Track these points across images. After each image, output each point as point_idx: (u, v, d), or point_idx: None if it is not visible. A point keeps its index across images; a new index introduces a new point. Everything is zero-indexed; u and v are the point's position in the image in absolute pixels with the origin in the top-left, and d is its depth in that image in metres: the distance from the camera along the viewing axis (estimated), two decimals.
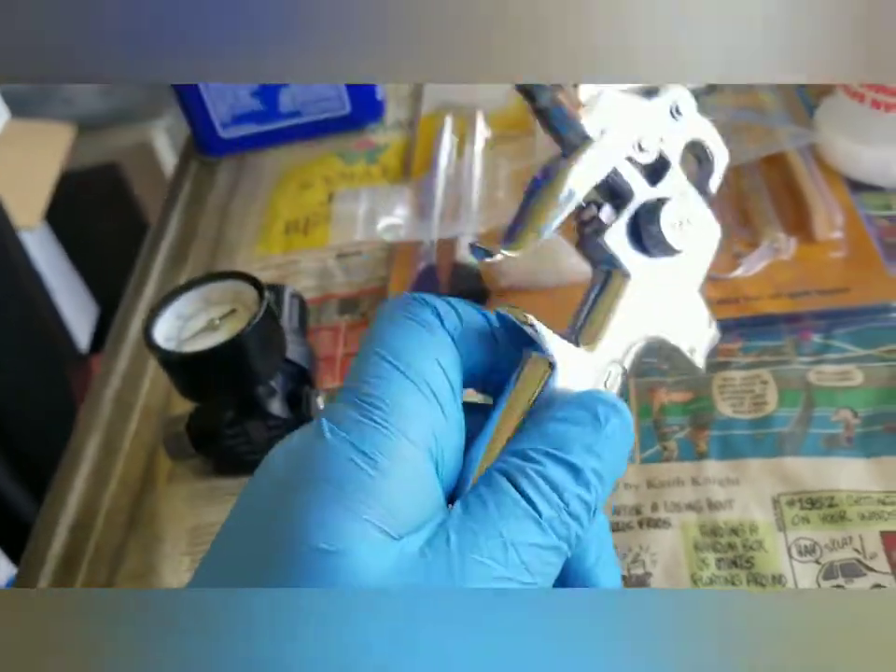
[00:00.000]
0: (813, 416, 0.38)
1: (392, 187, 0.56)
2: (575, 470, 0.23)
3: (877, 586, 0.31)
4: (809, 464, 0.36)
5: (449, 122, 0.61)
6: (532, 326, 0.24)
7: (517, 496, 0.22)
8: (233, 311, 0.38)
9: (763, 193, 0.47)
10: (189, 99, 0.65)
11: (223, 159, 0.68)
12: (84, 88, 1.70)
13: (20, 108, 1.60)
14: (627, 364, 0.25)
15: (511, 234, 0.25)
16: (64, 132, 1.61)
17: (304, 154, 0.65)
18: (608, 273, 0.26)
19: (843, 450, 0.36)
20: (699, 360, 0.27)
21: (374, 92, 0.66)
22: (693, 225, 0.26)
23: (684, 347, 0.27)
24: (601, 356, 0.25)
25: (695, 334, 0.27)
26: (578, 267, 0.45)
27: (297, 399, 0.42)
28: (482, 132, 0.59)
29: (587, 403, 0.24)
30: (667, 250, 0.26)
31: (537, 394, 0.24)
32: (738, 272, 0.44)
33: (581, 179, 0.25)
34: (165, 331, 0.39)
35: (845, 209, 0.46)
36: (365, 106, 0.65)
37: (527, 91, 0.26)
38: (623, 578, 0.33)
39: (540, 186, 0.26)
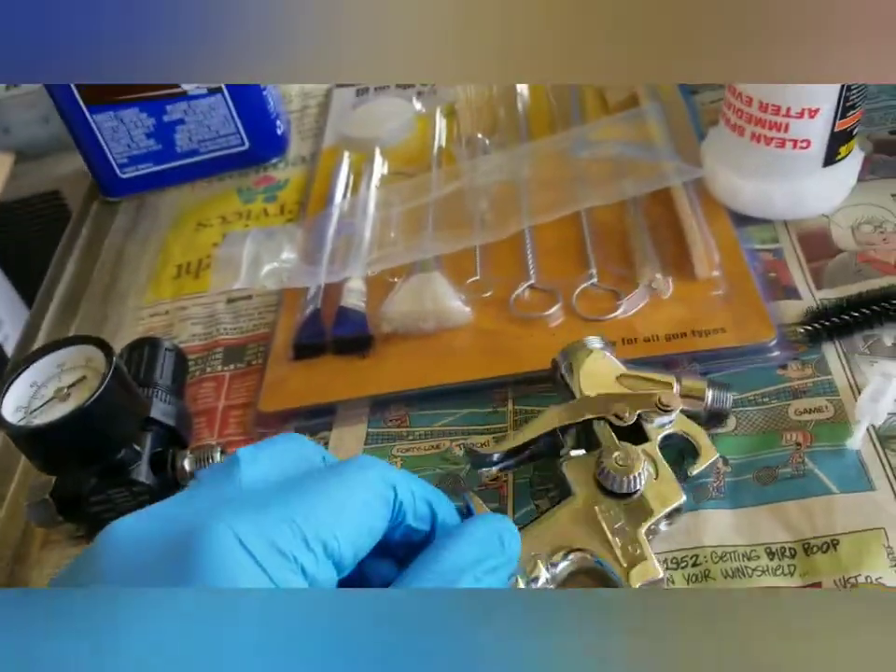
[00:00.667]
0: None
1: (283, 227, 0.55)
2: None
3: None
4: (678, 519, 0.35)
5: (346, 158, 0.60)
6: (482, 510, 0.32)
7: None
8: (83, 378, 0.37)
9: (643, 231, 0.47)
10: (86, 139, 0.63)
11: (124, 199, 0.66)
12: (22, 116, 1.67)
13: None
14: (557, 561, 0.32)
15: (503, 440, 0.37)
16: (3, 160, 1.57)
17: (204, 192, 0.64)
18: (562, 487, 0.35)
19: (712, 501, 0.35)
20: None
21: (275, 127, 0.64)
22: (645, 480, 0.33)
23: (622, 579, 0.32)
24: (527, 547, 0.31)
25: (634, 569, 0.32)
26: (459, 310, 0.45)
27: (163, 461, 0.40)
28: (378, 168, 0.58)
29: (493, 526, 0.29)
30: (612, 486, 0.33)
31: None
32: (617, 313, 0.43)
33: (557, 418, 0.37)
34: (15, 401, 0.37)
35: (728, 244, 0.46)
36: (265, 141, 0.64)
37: (554, 362, 0.39)
38: None
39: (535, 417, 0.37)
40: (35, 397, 0.37)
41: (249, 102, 0.62)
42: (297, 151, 0.66)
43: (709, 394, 0.37)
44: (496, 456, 0.37)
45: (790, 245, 0.46)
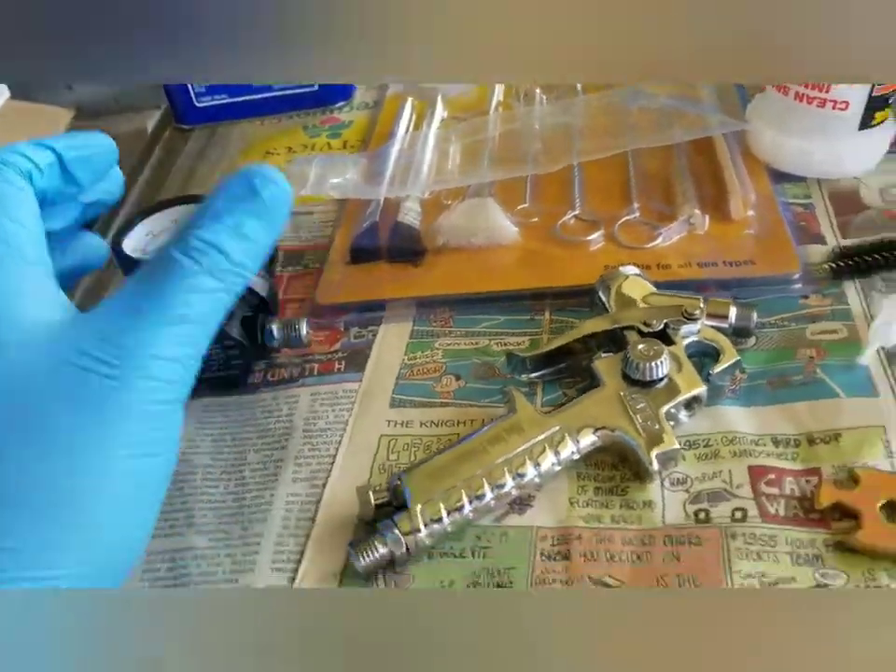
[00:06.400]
0: None
1: (347, 154, 0.59)
2: (237, 231, 0.29)
3: (738, 509, 0.34)
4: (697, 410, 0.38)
5: (410, 101, 0.64)
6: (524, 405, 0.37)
7: (183, 257, 0.28)
8: None
9: (686, 174, 0.50)
10: None
11: (196, 128, 0.70)
12: None
13: (20, 90, 1.62)
14: (581, 437, 0.36)
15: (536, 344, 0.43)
16: (62, 115, 1.64)
17: (272, 128, 0.68)
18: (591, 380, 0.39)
19: (727, 400, 0.38)
20: (652, 466, 0.35)
21: None
22: (668, 370, 0.37)
23: (641, 448, 0.35)
24: (554, 423, 0.36)
25: (652, 439, 0.35)
26: (507, 229, 0.48)
27: (253, 325, 0.43)
28: (440, 111, 0.62)
29: (245, 176, 0.30)
30: (636, 375, 0.37)
31: None
32: (655, 243, 0.47)
33: (590, 327, 0.41)
34: (133, 244, 0.41)
35: (764, 194, 0.49)
36: (334, 85, 0.68)
37: (593, 287, 0.43)
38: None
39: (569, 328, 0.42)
40: (150, 243, 0.41)
41: None
42: (362, 98, 0.70)
43: (733, 311, 0.40)
44: (531, 362, 0.41)
45: (821, 201, 0.49)
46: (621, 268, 0.43)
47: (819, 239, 0.46)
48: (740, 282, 0.44)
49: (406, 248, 0.50)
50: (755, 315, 0.40)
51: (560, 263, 0.47)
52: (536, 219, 0.50)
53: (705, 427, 0.37)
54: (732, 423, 0.37)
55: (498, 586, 0.33)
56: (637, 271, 0.43)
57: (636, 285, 0.42)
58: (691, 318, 0.39)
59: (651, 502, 0.35)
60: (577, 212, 0.50)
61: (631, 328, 0.40)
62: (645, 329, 0.39)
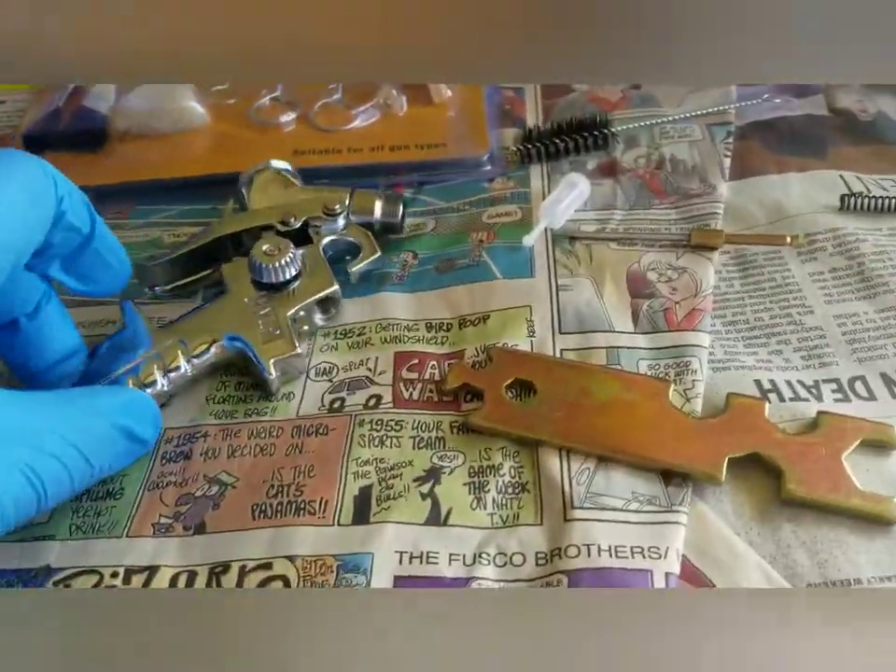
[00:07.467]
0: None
1: None
2: None
3: (374, 396, 0.32)
4: (359, 301, 0.36)
5: None
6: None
7: None
8: None
9: None
10: None
11: None
12: None
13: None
14: (194, 351, 0.32)
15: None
16: None
17: None
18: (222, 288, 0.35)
19: (393, 286, 0.37)
20: (271, 376, 0.32)
21: None
22: (296, 271, 0.34)
23: (262, 361, 0.32)
24: (168, 337, 0.32)
25: (268, 344, 0.32)
26: (193, 110, 0.44)
27: None
28: None
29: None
30: (261, 278, 0.34)
31: None
32: (352, 125, 0.44)
33: (223, 227, 0.37)
34: None
35: None
36: None
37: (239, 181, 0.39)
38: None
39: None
40: None
41: None
42: None
43: (378, 205, 0.38)
44: (162, 272, 0.36)
45: (532, 86, 0.48)
46: (271, 162, 0.39)
47: (521, 123, 0.45)
48: (430, 165, 0.42)
49: (84, 135, 0.45)
50: (401, 209, 0.38)
51: (250, 147, 0.44)
52: (232, 101, 0.46)
53: (362, 315, 0.36)
54: (390, 310, 0.35)
55: (108, 494, 0.30)
56: (284, 165, 0.39)
57: (280, 180, 0.38)
58: (331, 214, 0.36)
59: (290, 394, 0.33)
60: (276, 93, 0.46)
61: (269, 227, 0.36)
62: (282, 228, 0.36)
